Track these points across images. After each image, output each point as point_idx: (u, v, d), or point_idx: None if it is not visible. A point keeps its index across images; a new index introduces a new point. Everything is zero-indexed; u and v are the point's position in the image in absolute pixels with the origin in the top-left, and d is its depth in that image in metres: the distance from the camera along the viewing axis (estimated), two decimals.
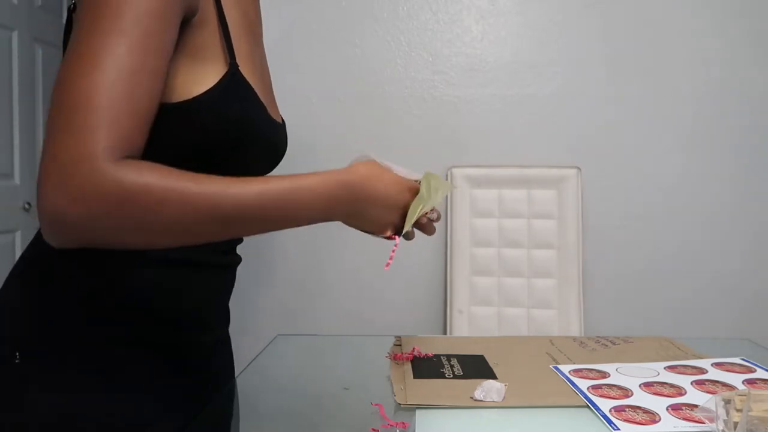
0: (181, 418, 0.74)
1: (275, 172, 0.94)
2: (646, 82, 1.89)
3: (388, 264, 0.78)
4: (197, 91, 0.65)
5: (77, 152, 0.51)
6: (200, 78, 0.65)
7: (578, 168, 1.86)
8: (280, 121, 0.85)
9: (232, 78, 0.68)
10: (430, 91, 1.93)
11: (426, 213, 0.80)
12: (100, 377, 0.67)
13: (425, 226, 0.82)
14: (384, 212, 0.74)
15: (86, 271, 0.68)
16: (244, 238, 0.94)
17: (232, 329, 0.91)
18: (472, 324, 1.83)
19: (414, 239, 0.81)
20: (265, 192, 0.61)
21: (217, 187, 0.57)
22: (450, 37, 1.93)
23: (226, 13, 0.69)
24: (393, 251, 0.76)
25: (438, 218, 0.85)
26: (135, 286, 0.69)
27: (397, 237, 0.77)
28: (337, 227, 0.85)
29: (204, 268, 0.76)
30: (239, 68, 0.69)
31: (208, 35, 0.67)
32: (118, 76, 0.54)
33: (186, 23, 0.64)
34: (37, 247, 0.71)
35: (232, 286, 0.87)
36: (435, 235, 0.83)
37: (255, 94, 0.71)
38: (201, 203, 0.56)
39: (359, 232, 0.77)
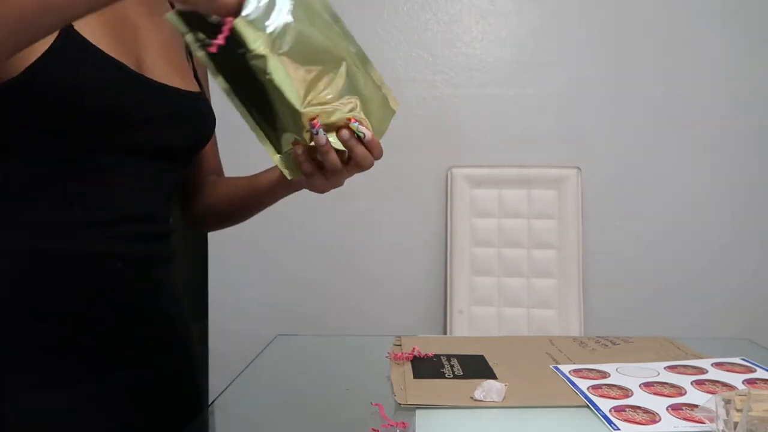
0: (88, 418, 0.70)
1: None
2: (647, 82, 1.89)
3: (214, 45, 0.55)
4: (27, 62, 0.61)
5: None
6: (30, 48, 0.59)
7: (578, 168, 1.86)
8: (193, 90, 0.79)
9: (65, 40, 0.62)
10: (430, 91, 1.93)
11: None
12: None
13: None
14: None
15: None
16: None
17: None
18: (472, 324, 1.83)
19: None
20: None
21: None
22: (450, 37, 1.93)
23: None
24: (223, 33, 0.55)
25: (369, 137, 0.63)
26: (15, 282, 0.67)
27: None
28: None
29: (101, 258, 0.70)
30: (74, 28, 0.63)
31: None
32: None
33: None
34: None
35: (143, 279, 0.77)
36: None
37: (97, 54, 0.65)
38: None
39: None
